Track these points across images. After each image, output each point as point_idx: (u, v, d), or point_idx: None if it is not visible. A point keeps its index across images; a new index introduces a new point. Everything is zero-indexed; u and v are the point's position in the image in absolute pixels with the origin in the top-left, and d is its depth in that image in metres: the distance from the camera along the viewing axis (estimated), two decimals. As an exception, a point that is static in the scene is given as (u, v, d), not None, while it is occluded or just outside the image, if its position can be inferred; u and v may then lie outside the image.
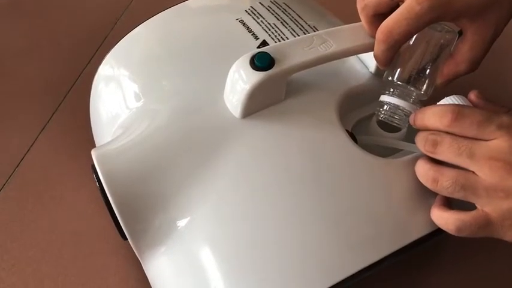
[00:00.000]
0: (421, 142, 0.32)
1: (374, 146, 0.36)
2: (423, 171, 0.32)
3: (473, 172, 0.30)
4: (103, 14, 0.66)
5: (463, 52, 0.33)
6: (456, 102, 0.33)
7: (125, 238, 0.34)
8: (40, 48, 0.62)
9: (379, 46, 0.33)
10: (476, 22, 0.32)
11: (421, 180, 0.32)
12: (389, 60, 0.33)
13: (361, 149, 0.34)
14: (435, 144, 0.31)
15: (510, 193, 0.29)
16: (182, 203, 0.33)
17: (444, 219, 0.31)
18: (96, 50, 0.61)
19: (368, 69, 0.38)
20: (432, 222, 0.32)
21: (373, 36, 0.33)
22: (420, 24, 0.31)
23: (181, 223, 0.32)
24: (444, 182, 0.30)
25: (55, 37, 0.64)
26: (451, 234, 0.31)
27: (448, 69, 0.34)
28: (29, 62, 0.60)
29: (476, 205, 0.30)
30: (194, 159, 0.33)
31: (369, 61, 0.38)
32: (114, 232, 0.34)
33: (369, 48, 0.35)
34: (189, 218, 0.32)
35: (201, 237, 0.32)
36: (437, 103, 0.33)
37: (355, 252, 0.31)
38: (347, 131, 0.35)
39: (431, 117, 0.31)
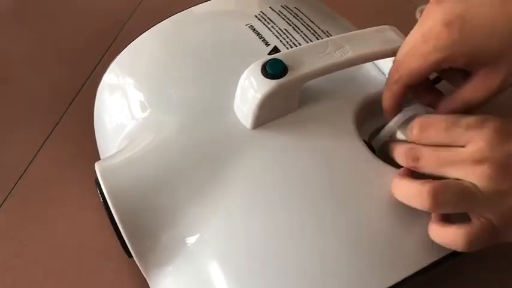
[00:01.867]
0: (402, 158, 0.31)
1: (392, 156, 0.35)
2: (417, 191, 0.28)
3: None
4: (108, 21, 0.66)
5: (464, 93, 0.32)
6: (414, 112, 0.32)
7: (130, 256, 0.33)
8: (43, 56, 0.62)
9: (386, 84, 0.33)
10: (486, 67, 0.30)
11: (413, 201, 0.29)
12: (392, 101, 0.33)
13: (380, 160, 0.32)
14: (416, 159, 0.30)
15: (504, 193, 0.27)
16: (190, 219, 0.31)
17: (450, 236, 0.28)
18: (101, 58, 0.61)
19: (384, 75, 0.37)
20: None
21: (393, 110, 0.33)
22: (427, 65, 0.30)
23: (190, 240, 0.31)
24: (446, 196, 0.28)
25: (59, 45, 0.63)
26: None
27: (444, 106, 0.33)
28: (32, 70, 0.60)
29: (474, 214, 0.28)
30: (203, 172, 0.32)
31: (385, 67, 0.37)
32: (119, 249, 0.33)
33: (386, 54, 0.34)
34: (198, 235, 0.31)
35: (211, 255, 0.31)
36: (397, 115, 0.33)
37: (374, 272, 0.29)
38: (364, 141, 0.33)
39: (408, 132, 0.31)
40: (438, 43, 0.29)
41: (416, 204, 0.29)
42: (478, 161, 0.28)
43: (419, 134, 0.30)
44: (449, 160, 0.28)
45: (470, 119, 0.29)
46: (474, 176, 0.28)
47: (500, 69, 0.30)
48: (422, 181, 0.28)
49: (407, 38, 0.32)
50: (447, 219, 0.30)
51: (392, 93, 0.32)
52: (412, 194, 0.29)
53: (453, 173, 0.28)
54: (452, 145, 0.29)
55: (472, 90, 0.31)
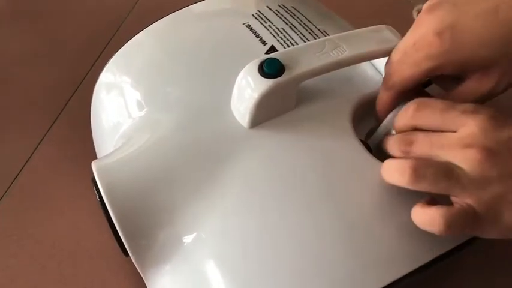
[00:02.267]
0: (395, 144, 0.31)
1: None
2: (399, 165, 0.29)
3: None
4: (104, 20, 0.66)
5: (456, 96, 0.32)
6: None
7: (127, 255, 0.32)
8: (40, 56, 0.62)
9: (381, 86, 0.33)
10: (478, 73, 0.31)
11: (394, 176, 0.29)
12: (386, 106, 0.33)
13: (377, 159, 0.32)
14: (410, 142, 0.30)
15: (490, 180, 0.27)
16: (188, 217, 0.31)
17: (429, 215, 0.28)
18: (98, 57, 0.61)
19: (381, 74, 0.37)
20: (453, 239, 0.30)
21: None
22: (420, 73, 0.31)
23: (187, 239, 0.31)
24: (426, 171, 0.28)
25: (55, 44, 0.63)
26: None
27: None
28: (28, 69, 0.60)
29: (456, 198, 0.28)
30: (199, 171, 0.32)
31: (382, 66, 0.37)
32: (115, 248, 0.33)
33: (383, 53, 0.34)
34: (195, 234, 0.31)
35: (209, 255, 0.31)
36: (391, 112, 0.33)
37: (370, 271, 0.29)
38: (361, 140, 0.33)
39: (399, 116, 0.31)
40: (430, 52, 0.30)
41: (396, 178, 0.29)
42: (468, 145, 0.27)
43: (415, 112, 0.30)
44: (441, 143, 0.28)
45: (467, 105, 0.29)
46: (462, 158, 0.27)
47: (491, 76, 0.31)
48: (407, 159, 0.29)
49: (399, 44, 0.32)
50: (433, 202, 0.29)
51: (385, 99, 0.33)
52: (394, 168, 0.29)
53: (443, 156, 0.28)
54: (445, 129, 0.29)
55: (463, 94, 0.32)
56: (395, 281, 0.29)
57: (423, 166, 0.28)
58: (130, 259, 0.33)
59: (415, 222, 0.29)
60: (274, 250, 0.30)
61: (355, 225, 0.30)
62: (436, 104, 0.29)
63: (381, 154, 0.33)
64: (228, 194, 0.31)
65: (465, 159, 0.27)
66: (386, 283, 0.29)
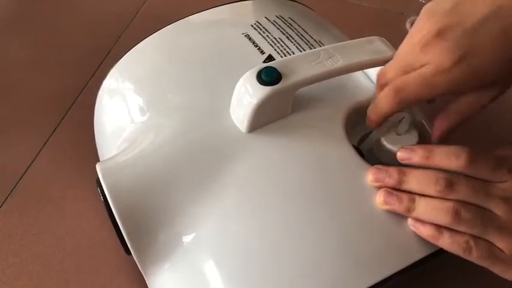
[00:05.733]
0: (429, 181, 0.31)
1: (380, 159, 0.36)
2: (441, 205, 0.30)
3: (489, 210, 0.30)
4: (108, 27, 0.67)
5: (460, 106, 0.34)
6: (400, 117, 0.34)
7: (129, 253, 0.33)
8: (43, 61, 0.62)
9: (386, 95, 0.32)
10: (469, 95, 0.33)
11: (432, 214, 0.30)
12: (382, 118, 0.34)
13: (369, 164, 0.33)
14: (451, 184, 0.30)
15: None
16: (188, 218, 0.32)
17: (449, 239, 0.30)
18: (100, 63, 0.61)
19: (373, 83, 0.38)
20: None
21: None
22: (434, 94, 0.31)
23: (187, 238, 0.32)
24: (466, 214, 0.30)
25: (59, 50, 0.64)
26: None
27: (443, 116, 0.35)
28: (32, 74, 0.60)
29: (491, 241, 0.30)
30: (200, 173, 0.33)
31: (374, 75, 0.38)
32: (117, 247, 0.34)
33: (375, 63, 0.35)
34: (194, 233, 0.32)
35: (207, 254, 0.32)
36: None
37: (363, 269, 0.30)
38: (354, 146, 0.35)
39: (445, 157, 0.31)
40: (450, 79, 0.30)
41: (435, 216, 0.30)
42: (508, 198, 0.30)
43: (468, 163, 0.30)
44: (485, 191, 0.30)
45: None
46: (503, 207, 0.30)
47: (493, 89, 0.32)
48: (449, 201, 0.30)
49: (398, 58, 0.32)
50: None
51: (387, 110, 0.33)
52: (433, 207, 0.31)
53: (486, 201, 0.30)
54: (488, 180, 0.31)
55: (464, 105, 0.33)
56: (387, 278, 0.30)
57: (464, 209, 0.30)
58: (132, 257, 0.33)
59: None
60: (270, 249, 0.31)
61: (347, 227, 0.31)
62: (489, 159, 0.31)
63: (373, 159, 0.35)
64: (227, 196, 0.32)
65: (505, 210, 0.30)
66: (376, 281, 0.30)
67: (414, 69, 0.31)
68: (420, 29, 0.31)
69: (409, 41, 0.32)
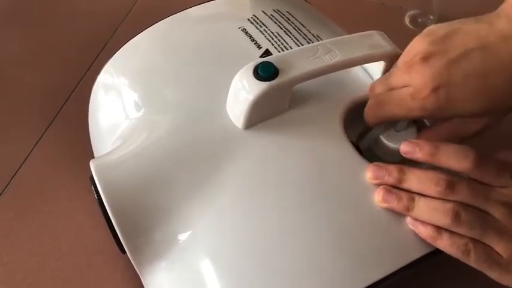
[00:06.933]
0: (430, 182, 0.30)
1: (379, 156, 0.36)
2: (441, 206, 0.30)
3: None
4: (102, 21, 0.66)
5: (444, 131, 0.35)
6: None
7: (124, 252, 0.33)
8: (37, 57, 0.62)
9: (371, 104, 0.34)
10: (452, 121, 0.34)
11: (434, 215, 0.30)
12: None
13: (367, 161, 0.33)
14: (452, 185, 0.30)
15: None
16: (183, 216, 0.32)
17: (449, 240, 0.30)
18: (95, 59, 0.61)
19: (372, 78, 0.38)
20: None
21: None
22: (409, 116, 0.32)
23: (183, 237, 0.32)
24: (466, 216, 0.29)
25: (53, 45, 0.63)
26: None
27: (430, 133, 0.35)
28: (26, 70, 0.60)
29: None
30: (195, 171, 0.33)
31: (373, 70, 0.38)
32: (112, 245, 0.33)
33: (373, 58, 0.35)
34: (190, 231, 0.32)
35: (203, 252, 0.31)
36: None
37: (361, 267, 0.30)
38: (352, 142, 0.34)
39: (451, 157, 0.30)
40: (425, 105, 0.31)
41: (437, 217, 0.30)
42: (509, 204, 0.30)
43: (474, 166, 0.30)
44: (486, 194, 0.30)
45: None
46: (502, 211, 0.30)
47: (479, 121, 0.33)
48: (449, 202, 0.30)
49: (393, 80, 0.33)
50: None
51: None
52: (433, 207, 0.30)
53: (485, 205, 0.30)
54: (490, 185, 0.31)
55: (449, 130, 0.34)
56: (386, 277, 0.30)
57: (464, 211, 0.29)
58: (127, 256, 0.33)
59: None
60: (265, 246, 0.30)
61: (345, 224, 0.31)
62: (493, 163, 0.31)
63: (371, 156, 0.34)
64: (223, 193, 0.32)
65: (503, 215, 0.30)
66: (375, 279, 0.30)
67: (397, 88, 0.32)
68: (413, 48, 0.32)
69: (401, 58, 0.33)
